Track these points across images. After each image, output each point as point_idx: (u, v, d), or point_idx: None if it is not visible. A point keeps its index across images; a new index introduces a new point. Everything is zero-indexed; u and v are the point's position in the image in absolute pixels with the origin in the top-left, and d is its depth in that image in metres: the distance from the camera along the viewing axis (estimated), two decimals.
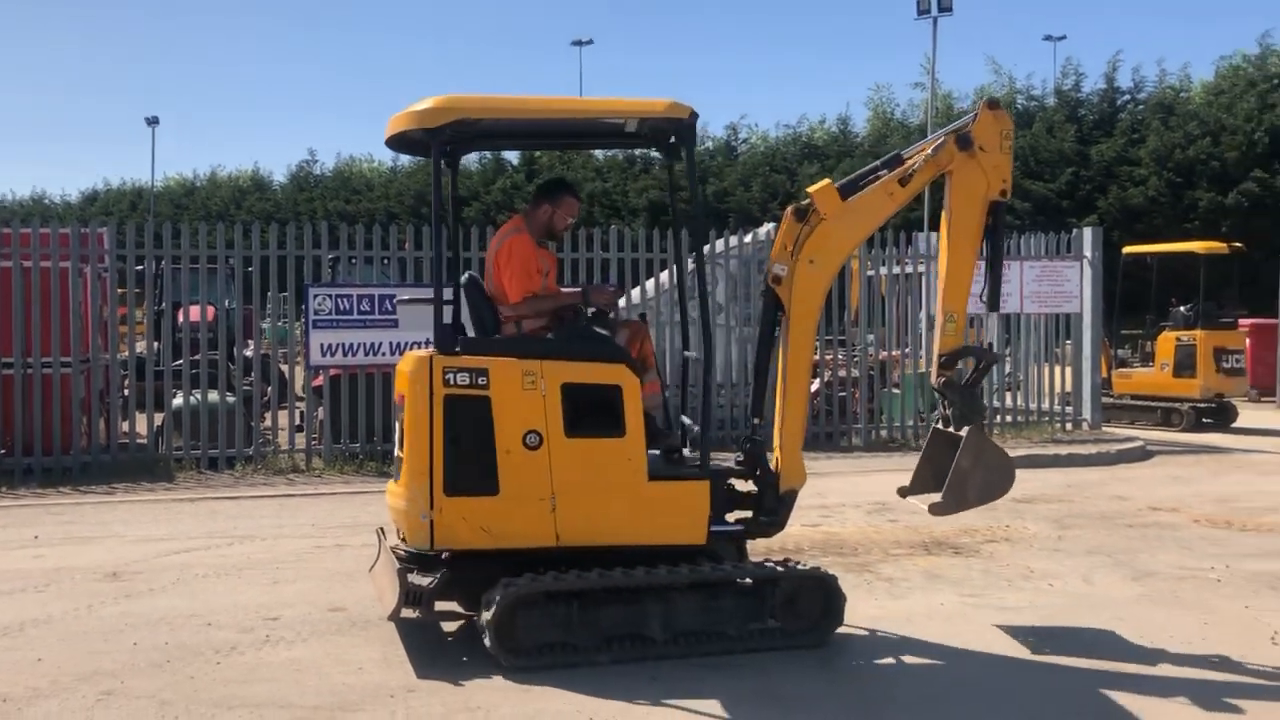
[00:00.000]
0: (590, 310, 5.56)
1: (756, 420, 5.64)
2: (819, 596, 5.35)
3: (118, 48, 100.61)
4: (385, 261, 11.89)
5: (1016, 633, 5.60)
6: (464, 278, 5.85)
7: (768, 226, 13.48)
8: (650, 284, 12.15)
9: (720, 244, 12.83)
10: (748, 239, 13.00)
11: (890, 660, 5.21)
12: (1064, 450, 12.23)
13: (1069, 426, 13.79)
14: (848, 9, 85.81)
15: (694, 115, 5.33)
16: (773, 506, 5.51)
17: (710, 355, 5.46)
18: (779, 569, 5.37)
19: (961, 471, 5.43)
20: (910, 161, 5.60)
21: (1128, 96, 38.65)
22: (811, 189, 5.59)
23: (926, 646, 5.41)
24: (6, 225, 10.61)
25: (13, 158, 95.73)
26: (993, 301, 5.76)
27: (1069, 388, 14.08)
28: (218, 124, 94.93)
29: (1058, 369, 14.04)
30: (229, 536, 7.89)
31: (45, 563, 7.06)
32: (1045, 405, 13.90)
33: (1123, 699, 4.69)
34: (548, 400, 5.08)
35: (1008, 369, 14.28)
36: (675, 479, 5.28)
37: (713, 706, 4.55)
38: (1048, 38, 48.89)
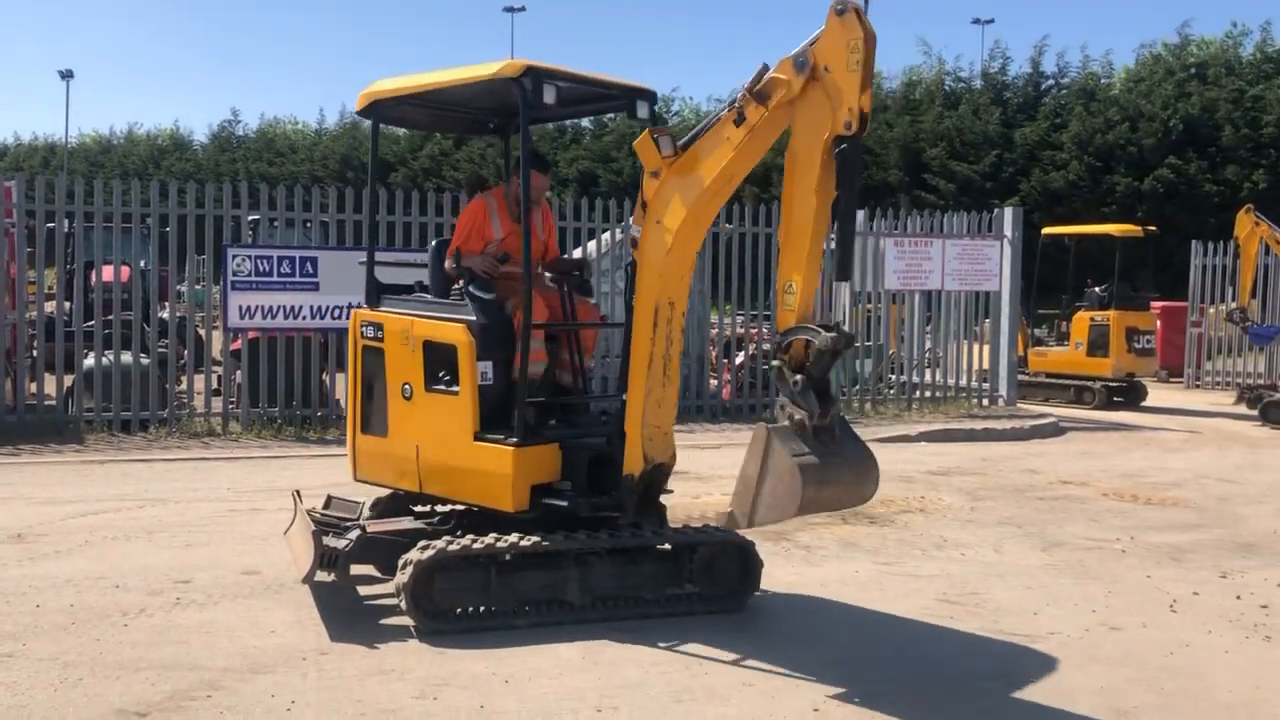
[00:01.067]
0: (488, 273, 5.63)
1: (625, 396, 5.23)
2: (736, 562, 5.40)
3: None
4: (307, 224, 11.67)
5: (929, 599, 5.72)
6: (433, 242, 6.22)
7: None
8: (578, 253, 12.09)
9: None
10: None
11: (805, 625, 5.28)
12: (980, 425, 12.48)
13: (985, 402, 14.08)
14: None
15: (527, 71, 5.14)
16: (619, 490, 5.22)
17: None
18: (696, 535, 5.41)
19: (747, 479, 4.49)
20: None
21: (1052, 81, 39.34)
22: (635, 142, 4.95)
23: (841, 611, 5.50)
24: None
25: None
26: (841, 269, 4.50)
27: (987, 365, 14.37)
28: (136, 80, 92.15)
29: (976, 346, 14.32)
30: (140, 499, 7.71)
31: None
32: (963, 381, 14.17)
33: (1029, 661, 4.82)
34: (415, 355, 5.53)
35: (928, 345, 14.53)
36: (492, 442, 5.25)
37: (630, 668, 4.58)
38: (976, 20, 49.71)
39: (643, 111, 5.79)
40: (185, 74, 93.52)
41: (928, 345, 14.45)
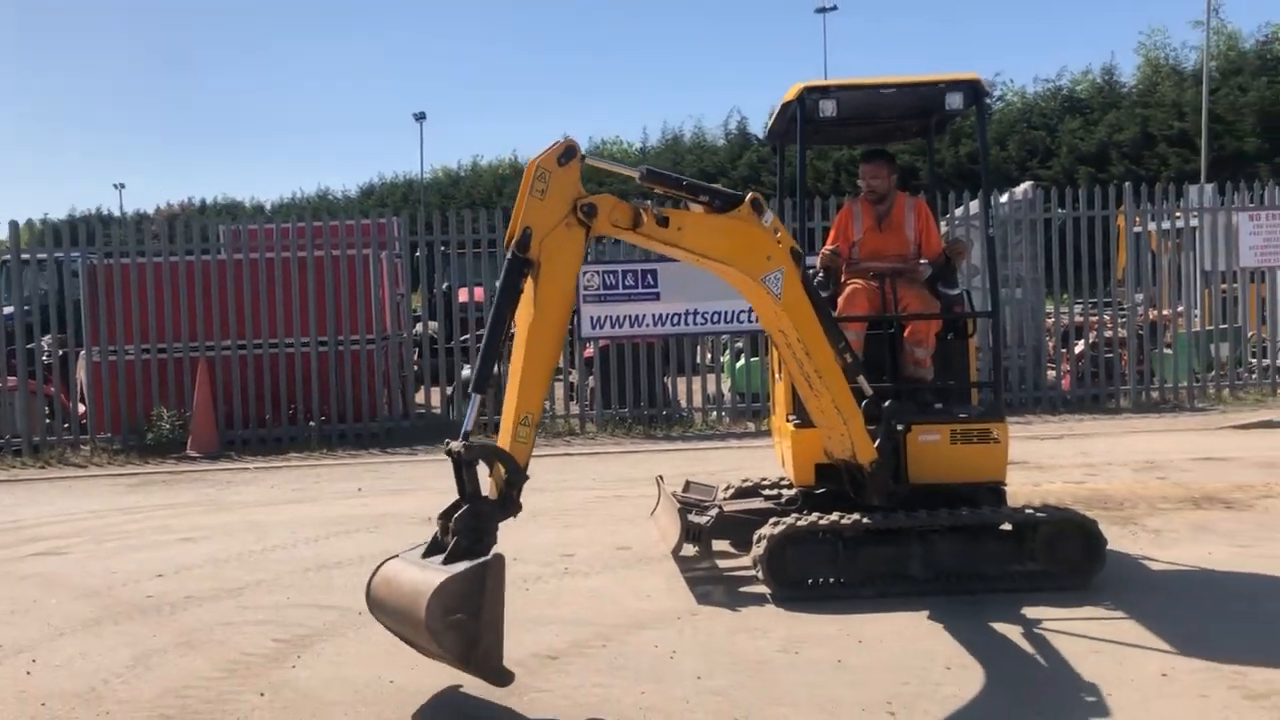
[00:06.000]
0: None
1: None
2: (1079, 541, 5.50)
3: (386, 45, 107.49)
4: None
5: None
6: None
7: (1025, 185, 13.28)
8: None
9: (974, 205, 12.77)
10: (1003, 199, 12.86)
11: (1153, 601, 5.27)
12: None
13: None
14: None
15: (804, 92, 5.63)
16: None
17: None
18: (1035, 514, 5.53)
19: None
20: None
21: None
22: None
23: (1192, 591, 5.47)
24: (317, 220, 12.04)
25: (300, 157, 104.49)
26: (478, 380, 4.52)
27: None
28: (477, 115, 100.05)
29: None
30: (524, 489, 8.70)
31: (371, 509, 8.12)
32: None
33: None
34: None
35: None
36: (790, 423, 5.87)
37: (978, 635, 4.83)
38: None
39: (955, 102, 5.76)
40: (519, 106, 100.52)
41: None
